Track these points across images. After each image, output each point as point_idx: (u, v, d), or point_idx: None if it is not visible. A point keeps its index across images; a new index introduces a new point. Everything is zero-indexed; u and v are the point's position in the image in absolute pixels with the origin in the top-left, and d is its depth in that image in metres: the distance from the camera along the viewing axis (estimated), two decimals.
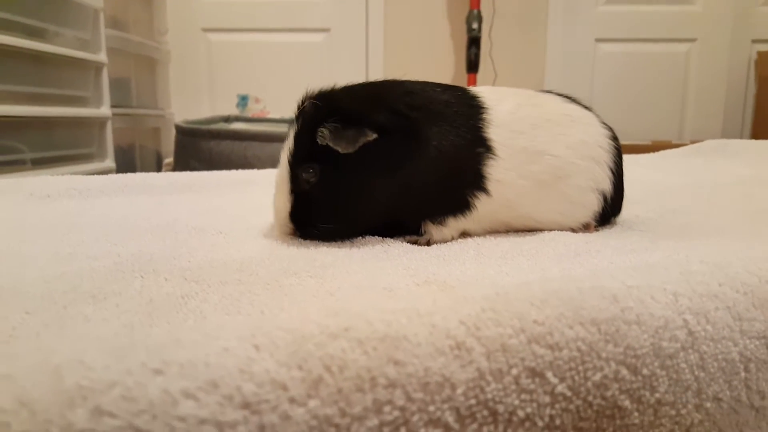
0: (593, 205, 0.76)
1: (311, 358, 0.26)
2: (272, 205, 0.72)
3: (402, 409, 0.25)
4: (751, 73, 2.95)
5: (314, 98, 0.69)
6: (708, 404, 0.32)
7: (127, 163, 2.36)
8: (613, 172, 0.77)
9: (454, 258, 0.61)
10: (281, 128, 1.90)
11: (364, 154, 0.64)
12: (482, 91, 0.76)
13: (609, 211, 0.78)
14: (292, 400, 0.24)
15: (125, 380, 0.23)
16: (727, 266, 0.38)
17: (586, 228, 0.78)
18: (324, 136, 0.64)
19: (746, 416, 0.35)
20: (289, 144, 0.69)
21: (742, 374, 0.34)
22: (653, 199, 1.00)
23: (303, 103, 0.70)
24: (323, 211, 0.68)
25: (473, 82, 2.98)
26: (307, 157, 0.67)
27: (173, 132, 2.72)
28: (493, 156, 0.70)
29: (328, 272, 0.54)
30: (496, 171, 0.70)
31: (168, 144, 2.68)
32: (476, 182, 0.70)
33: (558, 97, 0.81)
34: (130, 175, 1.05)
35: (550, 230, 0.75)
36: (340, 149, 0.63)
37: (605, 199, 0.76)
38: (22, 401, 0.21)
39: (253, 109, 2.57)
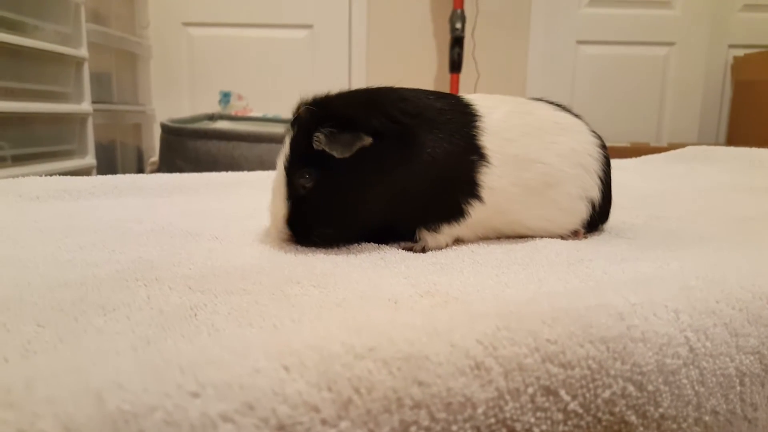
0: (582, 212, 0.78)
1: (340, 380, 0.26)
2: (269, 211, 0.72)
3: (427, 429, 0.26)
4: (727, 77, 3.02)
5: (309, 104, 0.70)
6: (706, 417, 0.34)
7: (107, 159, 2.33)
8: (601, 180, 0.79)
9: (451, 266, 0.62)
10: (267, 128, 1.89)
11: (359, 160, 0.65)
12: (475, 98, 0.77)
13: (597, 218, 0.80)
14: (324, 422, 0.25)
15: (165, 403, 0.24)
16: (722, 282, 0.40)
17: (575, 235, 0.80)
18: (320, 141, 0.64)
19: (740, 427, 0.36)
20: (285, 150, 0.70)
21: (738, 388, 0.36)
22: (638, 205, 1.02)
23: (298, 108, 0.71)
24: (319, 217, 0.69)
25: (456, 83, 3.00)
26: (303, 163, 0.68)
27: (154, 128, 2.69)
28: (487, 164, 0.71)
29: (330, 281, 0.55)
30: (489, 178, 0.71)
31: (149, 139, 2.65)
32: (470, 189, 0.71)
33: (549, 105, 0.82)
34: (119, 176, 1.04)
35: (540, 237, 0.77)
36: (336, 154, 0.64)
37: (593, 206, 0.78)
38: (68, 427, 0.22)
39: (235, 107, 2.55)
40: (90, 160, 2.10)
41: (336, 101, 0.70)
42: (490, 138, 0.72)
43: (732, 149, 1.30)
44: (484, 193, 0.71)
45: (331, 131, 0.64)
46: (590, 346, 0.32)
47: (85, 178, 1.01)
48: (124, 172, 2.45)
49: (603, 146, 0.81)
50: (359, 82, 3.06)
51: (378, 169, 0.67)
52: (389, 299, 0.48)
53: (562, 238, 0.78)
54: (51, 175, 1.82)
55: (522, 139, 0.74)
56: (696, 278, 0.41)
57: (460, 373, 0.28)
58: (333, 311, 0.45)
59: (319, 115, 0.67)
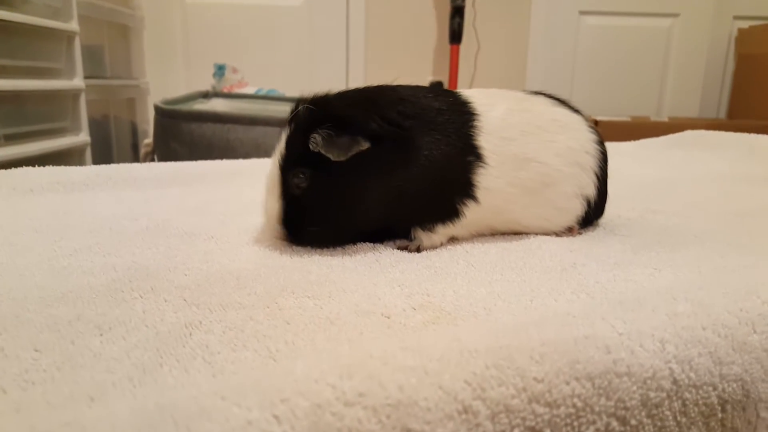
0: (577, 209, 0.78)
1: (330, 430, 0.27)
2: (263, 209, 0.72)
3: None
4: (731, 50, 2.98)
5: (308, 103, 0.69)
6: None
7: (101, 135, 2.31)
8: (597, 177, 0.79)
9: (445, 271, 0.63)
10: (262, 105, 1.87)
11: (356, 161, 0.65)
12: (473, 96, 0.76)
13: (592, 214, 0.81)
14: None
15: None
16: (710, 306, 0.41)
17: (569, 231, 0.80)
18: (317, 142, 0.64)
19: None
20: (280, 148, 0.69)
21: (719, 415, 0.37)
22: (635, 195, 1.03)
23: (297, 107, 0.71)
24: (314, 217, 0.69)
25: (456, 54, 2.96)
26: (298, 162, 0.67)
27: (148, 102, 2.67)
28: (483, 164, 0.71)
29: (324, 290, 0.56)
30: (485, 179, 0.71)
31: (143, 114, 2.63)
32: (466, 190, 0.71)
33: (548, 100, 0.82)
34: (113, 166, 1.04)
35: (535, 234, 0.78)
36: (332, 157, 0.64)
37: (589, 203, 0.79)
38: None
39: (230, 80, 2.52)
40: (84, 137, 2.09)
41: (335, 101, 0.70)
42: (487, 137, 0.72)
43: (730, 135, 1.29)
44: (480, 193, 0.71)
45: (328, 133, 0.64)
46: (576, 384, 0.33)
47: (78, 169, 1.00)
48: (118, 148, 2.44)
49: (600, 142, 0.81)
50: (357, 54, 3.02)
51: (375, 172, 0.67)
52: (383, 314, 0.49)
53: (557, 234, 0.79)
54: (44, 154, 1.82)
55: (520, 139, 0.74)
56: (685, 301, 0.41)
57: (448, 419, 0.29)
58: (327, 331, 0.45)
59: (317, 115, 0.66)
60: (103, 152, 2.32)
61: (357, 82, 3.08)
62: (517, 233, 0.78)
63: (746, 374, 0.38)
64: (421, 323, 0.47)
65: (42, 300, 0.51)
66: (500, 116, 0.74)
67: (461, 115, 0.73)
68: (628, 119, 2.64)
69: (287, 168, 0.68)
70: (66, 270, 0.59)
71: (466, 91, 0.78)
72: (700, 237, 0.76)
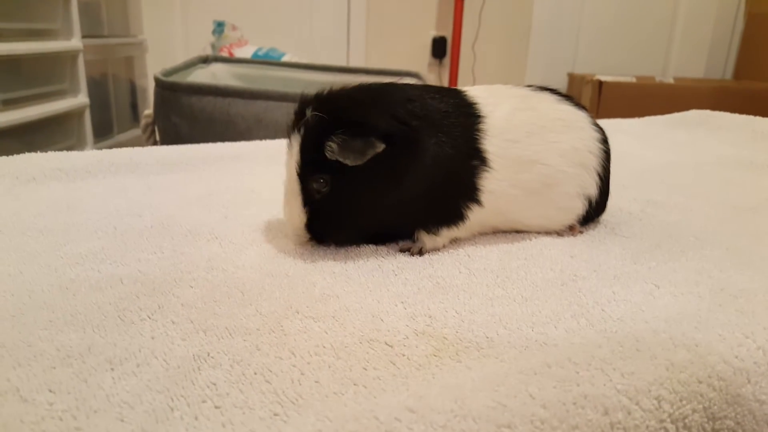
0: (578, 209, 0.79)
1: None
2: (285, 216, 0.73)
3: None
4: (740, 8, 2.90)
5: (312, 105, 0.69)
6: None
7: (100, 96, 2.28)
8: (600, 177, 0.79)
9: (446, 283, 0.64)
10: (263, 72, 1.84)
11: (370, 163, 0.65)
12: (479, 95, 0.76)
13: (593, 213, 0.81)
14: None
15: None
16: (707, 354, 0.42)
17: (570, 230, 0.81)
18: (333, 150, 0.64)
19: None
20: (294, 155, 0.69)
21: None
22: (637, 183, 1.03)
23: (301, 108, 0.70)
24: (338, 220, 0.70)
25: (460, 7, 2.89)
26: (315, 168, 0.68)
27: (147, 60, 2.62)
28: (488, 168, 0.71)
29: (329, 310, 0.57)
30: (489, 183, 0.72)
31: (142, 73, 2.58)
32: (470, 194, 0.72)
33: (553, 97, 0.81)
34: (115, 151, 1.03)
35: (537, 233, 0.78)
36: (349, 162, 0.64)
37: (590, 203, 0.79)
38: None
39: (229, 38, 2.47)
40: (83, 98, 2.07)
41: (343, 102, 0.69)
42: (492, 140, 0.72)
43: (735, 117, 1.27)
44: (484, 197, 0.72)
45: (343, 139, 0.64)
46: None
47: (80, 154, 1.00)
48: (117, 109, 2.41)
49: (604, 140, 0.81)
50: (358, 8, 2.94)
51: (389, 173, 0.68)
52: (386, 342, 0.50)
53: (558, 233, 0.80)
54: (43, 119, 1.80)
55: (525, 140, 0.74)
56: (683, 348, 0.42)
57: None
58: (332, 366, 0.46)
59: (328, 120, 0.66)
60: (103, 113, 2.30)
61: (358, 37, 3.02)
62: (518, 232, 0.79)
63: (738, 426, 0.39)
64: (424, 356, 0.48)
65: (52, 324, 0.52)
66: (505, 117, 0.74)
67: (467, 117, 0.73)
68: (633, 79, 2.59)
69: (305, 175, 0.69)
70: (74, 284, 0.60)
71: (471, 91, 0.77)
72: (701, 239, 0.77)
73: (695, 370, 0.40)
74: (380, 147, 0.64)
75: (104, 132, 2.32)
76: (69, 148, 2.04)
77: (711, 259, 0.69)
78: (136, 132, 2.48)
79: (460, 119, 0.72)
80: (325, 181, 0.67)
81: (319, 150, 0.66)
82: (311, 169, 0.68)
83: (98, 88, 2.27)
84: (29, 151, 0.98)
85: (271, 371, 0.45)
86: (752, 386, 0.41)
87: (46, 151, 1.00)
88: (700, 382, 0.39)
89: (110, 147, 1.01)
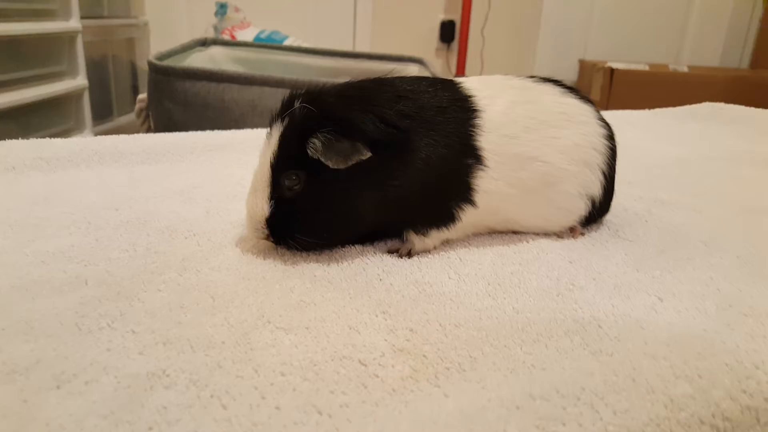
0: (580, 209, 0.74)
1: None
2: (247, 206, 0.68)
3: None
4: None
5: (302, 99, 0.64)
6: None
7: (100, 78, 2.24)
8: (604, 175, 0.74)
9: (433, 290, 0.59)
10: (262, 56, 1.79)
11: (353, 168, 0.61)
12: (475, 87, 0.71)
13: (596, 214, 0.76)
14: None
15: None
16: (712, 388, 0.37)
17: (571, 231, 0.76)
18: (316, 148, 0.60)
19: None
20: (272, 145, 0.64)
21: None
22: (643, 179, 0.98)
23: (290, 100, 0.65)
24: (304, 222, 0.65)
25: None
26: (292, 163, 0.63)
27: (150, 41, 2.57)
28: (483, 167, 0.67)
29: (303, 319, 0.53)
30: (484, 182, 0.67)
31: (143, 52, 2.54)
32: (463, 195, 0.67)
33: (556, 89, 0.76)
34: (99, 139, 0.99)
35: (535, 235, 0.74)
36: (331, 165, 0.60)
37: (593, 203, 0.75)
38: None
39: (232, 19, 2.42)
40: (81, 80, 2.03)
41: (332, 99, 0.64)
42: (488, 137, 0.67)
43: (748, 110, 1.21)
44: (478, 197, 0.68)
45: (328, 139, 0.60)
46: None
47: (63, 141, 0.96)
48: (117, 92, 2.37)
49: (610, 137, 0.76)
50: None
51: (372, 177, 0.63)
52: (360, 361, 0.46)
53: (558, 235, 0.75)
54: (41, 101, 1.76)
55: (523, 136, 0.69)
56: (684, 379, 0.38)
57: None
58: (297, 389, 0.42)
59: (315, 116, 0.62)
60: (102, 96, 2.26)
61: (365, 19, 2.95)
62: (515, 233, 0.75)
63: None
64: (399, 378, 0.44)
65: (3, 333, 0.48)
66: (502, 111, 0.69)
67: (461, 113, 0.68)
68: (646, 67, 2.51)
69: (279, 168, 0.64)
70: (35, 286, 0.56)
71: (468, 83, 0.72)
72: (709, 245, 0.72)
73: (697, 409, 0.36)
74: (366, 155, 0.60)
75: (104, 114, 2.28)
76: (67, 131, 2.01)
77: (719, 269, 0.65)
78: None
79: (454, 115, 0.67)
80: (298, 179, 0.63)
81: (301, 145, 0.61)
82: (287, 163, 0.63)
83: (98, 70, 2.23)
84: (26, 133, 0.95)
85: (228, 394, 0.42)
86: (762, 428, 0.37)
87: (43, 134, 0.96)
88: (703, 423, 0.35)
89: (109, 130, 0.98)
